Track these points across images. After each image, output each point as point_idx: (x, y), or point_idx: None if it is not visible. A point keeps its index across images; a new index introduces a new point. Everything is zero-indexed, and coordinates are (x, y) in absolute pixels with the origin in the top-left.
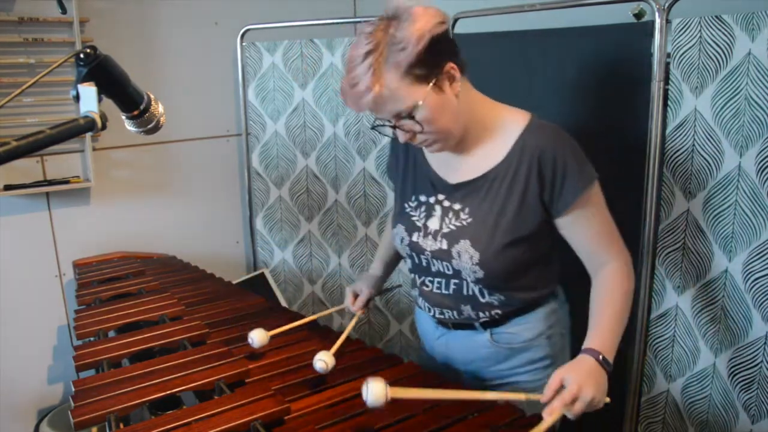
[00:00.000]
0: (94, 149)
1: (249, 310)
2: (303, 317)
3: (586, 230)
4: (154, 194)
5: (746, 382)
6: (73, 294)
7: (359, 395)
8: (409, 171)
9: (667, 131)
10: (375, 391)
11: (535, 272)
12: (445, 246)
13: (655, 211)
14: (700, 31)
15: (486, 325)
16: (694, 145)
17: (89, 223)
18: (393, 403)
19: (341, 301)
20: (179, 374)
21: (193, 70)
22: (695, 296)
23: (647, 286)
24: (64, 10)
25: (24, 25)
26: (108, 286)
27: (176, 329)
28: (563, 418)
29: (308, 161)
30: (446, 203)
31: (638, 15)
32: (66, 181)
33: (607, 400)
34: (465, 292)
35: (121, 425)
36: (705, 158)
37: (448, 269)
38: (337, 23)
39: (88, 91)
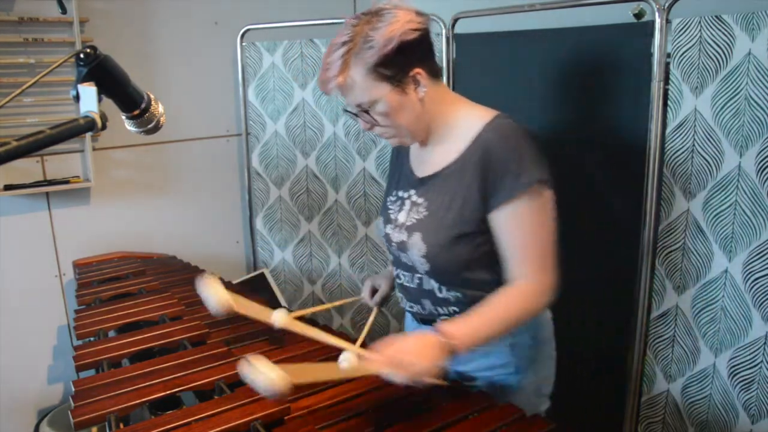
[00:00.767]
0: (94, 149)
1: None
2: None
3: (513, 234)
4: (154, 194)
5: (746, 382)
6: (73, 294)
7: (359, 395)
8: (397, 168)
9: (667, 131)
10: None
11: (487, 271)
12: (405, 237)
13: (655, 211)
14: (700, 31)
15: None
16: (694, 145)
17: (89, 223)
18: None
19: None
20: (179, 374)
21: (193, 70)
22: (695, 296)
23: (647, 286)
24: (64, 10)
25: (24, 25)
26: (108, 286)
27: (176, 329)
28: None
29: (308, 161)
30: (414, 197)
31: (638, 15)
32: (66, 181)
33: (439, 382)
34: (425, 286)
35: (121, 425)
36: (705, 158)
37: (408, 261)
38: (337, 23)
39: (88, 91)
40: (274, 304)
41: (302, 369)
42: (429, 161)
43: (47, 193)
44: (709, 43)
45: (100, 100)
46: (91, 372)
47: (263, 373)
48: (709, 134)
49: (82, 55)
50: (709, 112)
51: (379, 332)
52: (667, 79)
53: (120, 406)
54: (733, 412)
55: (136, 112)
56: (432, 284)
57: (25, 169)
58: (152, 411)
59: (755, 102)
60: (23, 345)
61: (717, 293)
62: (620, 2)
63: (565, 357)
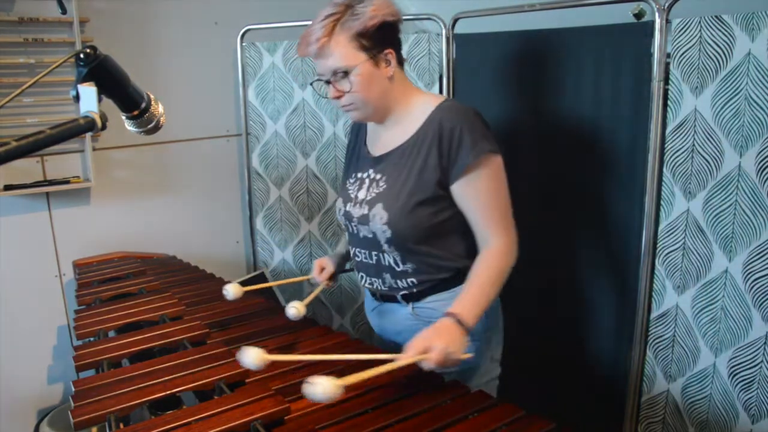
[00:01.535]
0: (94, 149)
1: (249, 310)
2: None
3: (475, 200)
4: (154, 194)
5: (746, 382)
6: (73, 294)
7: (359, 395)
8: (355, 153)
9: (667, 131)
10: (251, 354)
11: (446, 244)
12: (366, 211)
13: (655, 211)
14: (700, 31)
15: (407, 299)
16: (694, 145)
17: (89, 223)
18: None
19: (340, 299)
20: (179, 374)
21: (193, 70)
22: (695, 296)
23: (647, 286)
24: (64, 10)
25: (24, 25)
26: (108, 286)
27: (176, 329)
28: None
29: (308, 161)
30: (372, 175)
31: (638, 15)
32: (66, 181)
33: (468, 356)
34: (383, 262)
35: (121, 425)
36: (705, 158)
37: (369, 233)
38: None
39: (88, 91)
40: (275, 304)
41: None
42: (385, 141)
43: (47, 193)
44: (709, 44)
45: (100, 100)
46: (91, 372)
47: (318, 384)
48: (709, 134)
49: (82, 55)
50: (709, 112)
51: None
52: (667, 79)
53: (120, 406)
54: (733, 412)
55: (136, 112)
56: (389, 260)
57: (25, 169)
58: (152, 411)
59: (755, 102)
60: (23, 345)
61: (717, 293)
62: (620, 2)
63: (566, 357)
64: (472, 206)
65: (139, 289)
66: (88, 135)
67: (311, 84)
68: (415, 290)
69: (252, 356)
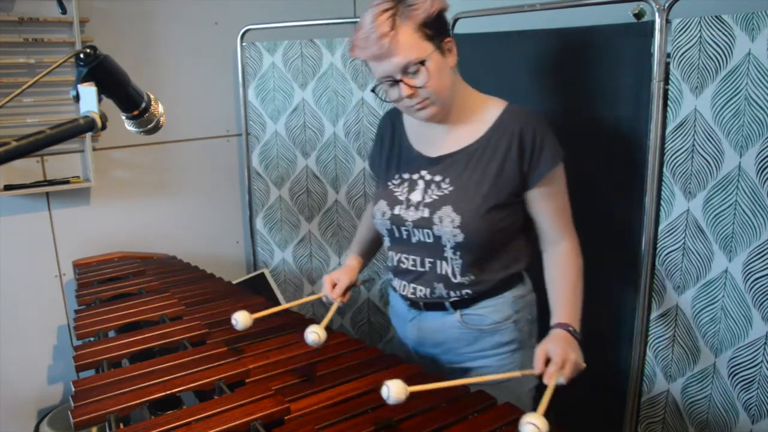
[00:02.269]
0: (94, 149)
1: (249, 310)
2: (303, 317)
3: (550, 205)
4: (154, 194)
5: (746, 382)
6: (73, 294)
7: (359, 395)
8: (394, 154)
9: (667, 131)
10: (395, 389)
11: (506, 250)
12: (426, 214)
13: (655, 211)
14: (700, 31)
15: (456, 306)
16: (694, 145)
17: (89, 223)
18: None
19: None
20: (179, 374)
21: (193, 70)
22: (695, 296)
23: (647, 286)
24: (64, 10)
25: (24, 25)
26: (108, 286)
27: (176, 329)
28: (567, 420)
29: (308, 161)
30: (428, 176)
31: (638, 15)
32: (66, 181)
33: (584, 365)
34: (439, 270)
35: (121, 425)
36: (705, 158)
37: (429, 237)
38: (337, 23)
39: (88, 91)
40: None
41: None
42: (444, 141)
43: (47, 193)
44: (709, 43)
45: (100, 100)
46: (91, 372)
47: (387, 385)
48: (709, 134)
49: (82, 55)
50: (709, 112)
51: (379, 332)
52: (667, 79)
53: (120, 406)
54: (733, 412)
55: (136, 112)
56: (447, 269)
57: (25, 169)
58: (152, 411)
59: (755, 102)
60: (23, 345)
61: (717, 293)
62: (620, 2)
63: None
64: (547, 211)
65: (139, 289)
66: (88, 135)
67: (372, 90)
68: (467, 298)
69: (396, 391)
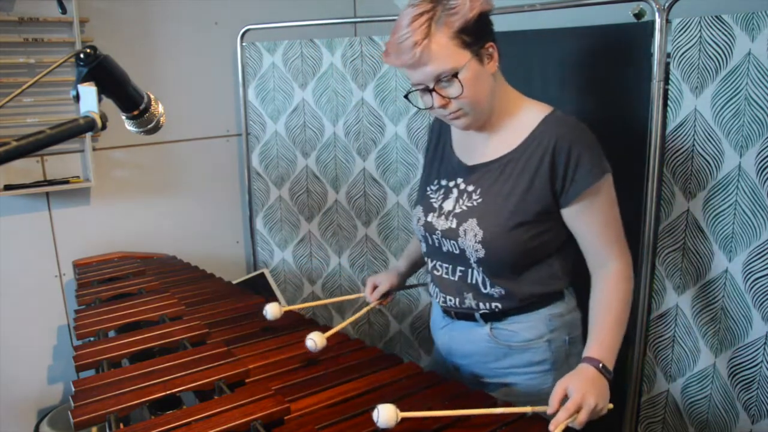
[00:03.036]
0: (94, 149)
1: (249, 310)
2: (303, 317)
3: (592, 223)
4: (154, 194)
5: (746, 382)
6: (73, 294)
7: (359, 395)
8: (437, 157)
9: (667, 131)
10: (385, 414)
11: (539, 268)
12: (454, 225)
13: (655, 211)
14: (700, 31)
15: (486, 318)
16: (694, 145)
17: (89, 223)
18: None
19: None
20: (179, 374)
21: (193, 70)
22: (695, 296)
23: (647, 286)
24: (64, 10)
25: (24, 25)
26: (108, 286)
27: (176, 329)
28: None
29: (308, 161)
30: (462, 185)
31: (638, 15)
32: (66, 181)
33: (610, 406)
34: (469, 279)
35: (121, 425)
36: (705, 158)
37: (455, 248)
38: (337, 23)
39: (88, 91)
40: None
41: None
42: (481, 150)
43: (47, 193)
44: (709, 43)
45: (100, 100)
46: (91, 372)
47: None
48: (709, 134)
49: (82, 55)
50: (709, 112)
51: (379, 332)
52: (667, 79)
53: (120, 406)
54: (733, 412)
55: (136, 112)
56: (477, 278)
57: (25, 169)
58: (152, 411)
59: (755, 102)
60: (23, 345)
61: (717, 293)
62: (620, 2)
63: None
64: (589, 229)
65: (139, 289)
66: (88, 135)
67: (406, 96)
68: (497, 311)
69: (387, 416)
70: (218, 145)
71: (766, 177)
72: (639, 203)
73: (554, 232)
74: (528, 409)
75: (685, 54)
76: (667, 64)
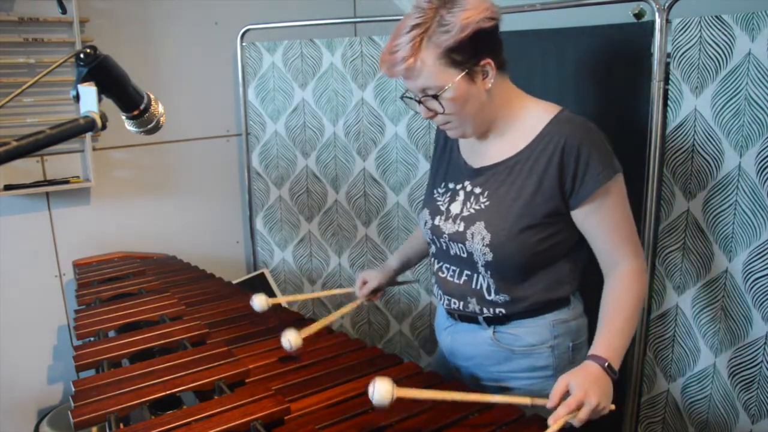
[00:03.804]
0: (94, 149)
1: (249, 310)
2: (303, 317)
3: (603, 224)
4: (154, 194)
5: (746, 382)
6: (73, 294)
7: (359, 395)
8: (444, 159)
9: (667, 131)
10: (381, 389)
11: (547, 272)
12: (461, 228)
13: (655, 211)
14: (700, 31)
15: (490, 322)
16: (694, 145)
17: (89, 223)
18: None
19: (341, 302)
20: (179, 374)
21: (193, 70)
22: (695, 296)
23: (647, 286)
24: (64, 10)
25: (24, 25)
26: (108, 286)
27: (176, 329)
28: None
29: (308, 161)
30: (469, 188)
31: (638, 15)
32: (66, 181)
33: (612, 407)
34: (473, 285)
35: (121, 425)
36: (705, 158)
37: (463, 252)
38: (337, 23)
39: (88, 91)
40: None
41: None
42: (487, 152)
43: (47, 193)
44: (709, 43)
45: (100, 100)
46: (91, 372)
47: (374, 384)
48: (709, 134)
49: (82, 55)
50: (709, 112)
51: (379, 332)
52: (667, 79)
53: (120, 406)
54: (733, 412)
55: (136, 112)
56: (482, 284)
57: (25, 169)
58: (152, 411)
59: (755, 102)
60: (23, 345)
61: (717, 293)
62: (620, 2)
63: None
64: (600, 230)
65: (139, 289)
66: (88, 135)
67: (401, 98)
68: (501, 316)
69: (382, 392)
70: (218, 145)
71: (766, 177)
72: (639, 203)
73: (563, 235)
74: (528, 400)
75: (685, 54)
76: (667, 64)
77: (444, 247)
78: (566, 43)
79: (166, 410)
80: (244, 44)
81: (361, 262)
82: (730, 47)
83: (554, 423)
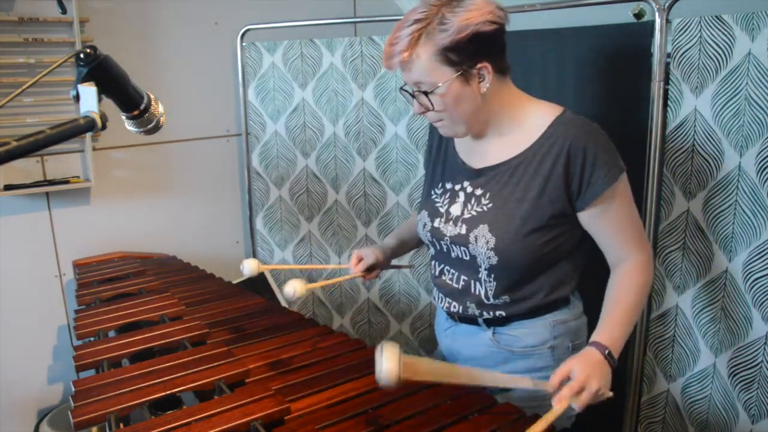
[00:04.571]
0: (94, 149)
1: (249, 310)
2: (303, 317)
3: (610, 223)
4: (154, 194)
5: (746, 382)
6: (73, 294)
7: (359, 395)
8: (440, 159)
9: (667, 131)
10: (389, 358)
11: (549, 273)
12: (464, 231)
13: (655, 211)
14: (700, 31)
15: (489, 323)
16: (694, 145)
17: (89, 223)
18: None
19: (341, 301)
20: (179, 374)
21: (193, 70)
22: (695, 296)
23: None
24: (64, 10)
25: (24, 25)
26: (108, 286)
27: (176, 329)
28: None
29: (308, 161)
30: (469, 189)
31: (638, 15)
32: (66, 181)
33: (610, 394)
34: (472, 290)
35: (121, 425)
36: (705, 158)
37: (465, 254)
38: (337, 23)
39: (88, 91)
40: (275, 304)
41: (426, 368)
42: (487, 152)
43: (47, 193)
44: (709, 43)
45: (100, 100)
46: (91, 372)
47: (381, 360)
48: (709, 134)
49: (82, 55)
50: (709, 112)
51: (379, 332)
52: (667, 79)
53: (120, 406)
54: (733, 412)
55: (136, 112)
56: (480, 290)
57: (25, 169)
58: (152, 411)
59: (755, 102)
60: (23, 345)
61: (717, 293)
62: (620, 2)
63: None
64: (608, 230)
65: (139, 289)
66: (88, 135)
67: (400, 90)
68: (501, 318)
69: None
70: (218, 145)
71: (766, 177)
72: (639, 203)
73: (567, 236)
74: (529, 383)
75: (685, 54)
76: (667, 64)
77: (445, 250)
78: (566, 43)
79: (166, 410)
80: (244, 44)
81: None
82: (730, 47)
83: (558, 404)
